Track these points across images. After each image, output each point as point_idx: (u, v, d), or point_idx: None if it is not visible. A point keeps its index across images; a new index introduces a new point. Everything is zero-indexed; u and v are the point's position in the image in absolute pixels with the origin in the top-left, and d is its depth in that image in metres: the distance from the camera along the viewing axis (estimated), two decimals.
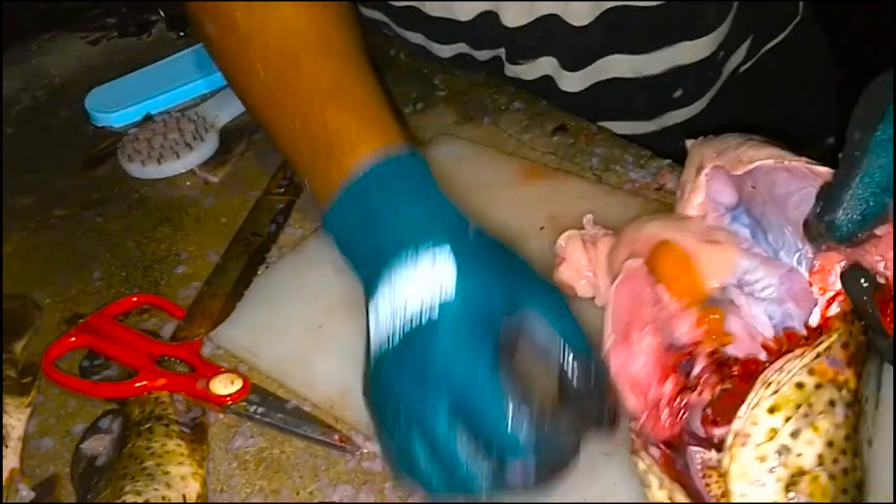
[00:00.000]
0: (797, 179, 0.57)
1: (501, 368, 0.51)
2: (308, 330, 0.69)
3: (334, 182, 0.58)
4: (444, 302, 0.52)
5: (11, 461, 0.64)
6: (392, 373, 0.53)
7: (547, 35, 0.87)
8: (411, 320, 0.53)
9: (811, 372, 0.51)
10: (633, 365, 0.57)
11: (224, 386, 0.66)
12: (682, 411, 0.55)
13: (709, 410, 0.54)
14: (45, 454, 0.66)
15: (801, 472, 0.49)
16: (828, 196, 0.54)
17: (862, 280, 0.54)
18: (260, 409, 0.65)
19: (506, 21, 0.87)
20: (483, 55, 0.92)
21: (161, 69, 0.99)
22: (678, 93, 0.92)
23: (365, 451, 0.63)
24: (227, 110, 0.93)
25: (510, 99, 0.90)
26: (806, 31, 1.01)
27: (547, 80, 0.91)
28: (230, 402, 0.65)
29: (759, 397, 0.51)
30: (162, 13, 1.10)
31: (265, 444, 0.64)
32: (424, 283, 0.53)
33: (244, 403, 0.65)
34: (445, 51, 0.93)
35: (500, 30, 0.88)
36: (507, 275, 0.55)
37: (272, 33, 0.63)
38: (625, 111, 0.92)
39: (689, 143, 0.70)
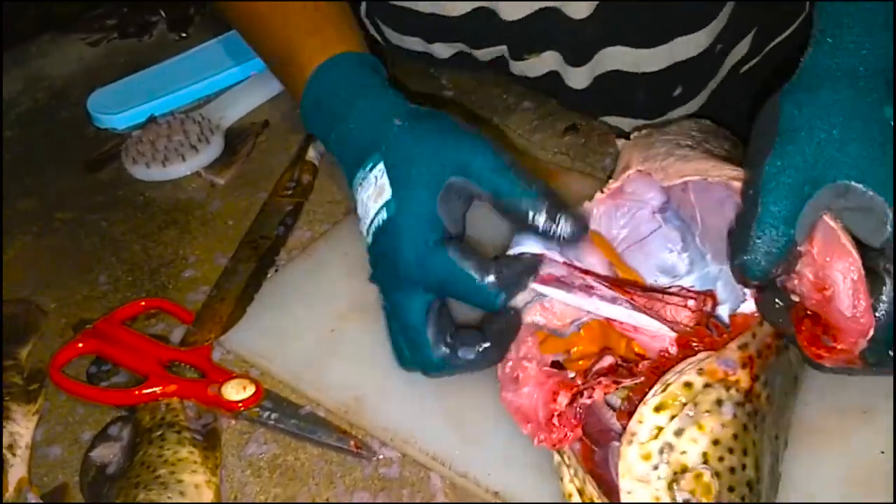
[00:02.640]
0: (726, 188, 0.58)
1: (452, 236, 0.58)
2: (320, 334, 0.68)
3: (299, 89, 0.67)
4: (386, 202, 0.59)
5: (19, 470, 0.63)
6: (374, 269, 0.62)
7: (548, 28, 0.86)
8: (371, 222, 0.61)
9: (700, 371, 0.52)
10: (521, 395, 0.57)
11: (236, 391, 0.65)
12: (578, 414, 0.55)
13: (624, 404, 0.54)
14: (54, 462, 0.64)
15: (684, 470, 0.50)
16: (735, 239, 0.54)
17: (776, 300, 0.54)
18: (273, 415, 0.64)
19: (505, 15, 0.86)
20: (483, 55, 0.91)
21: (164, 70, 0.98)
22: (678, 90, 0.91)
23: (381, 457, 0.62)
24: (232, 112, 0.92)
25: (519, 98, 0.89)
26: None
27: (554, 77, 0.90)
28: (242, 408, 0.64)
29: (652, 394, 0.52)
30: (163, 14, 1.09)
31: (279, 451, 0.63)
32: (374, 193, 0.61)
33: (257, 409, 0.64)
34: (445, 51, 0.92)
35: (499, 26, 0.87)
36: (441, 149, 0.59)
37: None
38: (628, 107, 0.91)
39: (619, 142, 0.71)
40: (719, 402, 0.51)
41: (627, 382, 0.54)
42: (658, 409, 0.51)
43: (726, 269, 0.61)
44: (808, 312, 0.53)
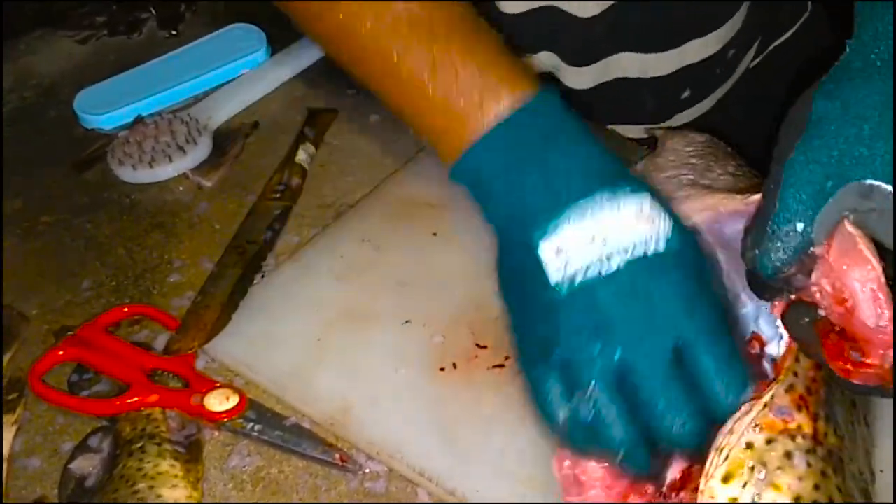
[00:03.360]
0: (744, 218, 0.55)
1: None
2: (307, 343, 0.67)
3: (481, 122, 0.54)
4: (669, 238, 0.50)
5: None
6: (608, 299, 0.49)
7: (548, 28, 0.84)
8: (626, 251, 0.49)
9: (759, 428, 0.49)
10: (589, 497, 0.54)
11: (219, 402, 0.63)
12: None
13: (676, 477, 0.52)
14: (32, 474, 0.63)
15: None
16: (750, 233, 0.51)
17: (803, 318, 0.51)
18: (257, 427, 0.62)
19: (504, 8, 0.84)
20: None
21: (152, 70, 0.96)
22: (686, 93, 0.90)
23: (367, 470, 0.60)
24: (221, 112, 0.90)
25: None
26: (816, 27, 0.98)
27: (550, 78, 0.88)
28: (226, 419, 0.63)
29: (714, 466, 0.48)
30: (153, 11, 1.07)
31: (263, 464, 0.61)
32: (635, 220, 0.50)
33: (241, 420, 0.63)
34: None
35: (498, 17, 0.85)
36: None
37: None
38: (632, 114, 0.89)
39: None
40: (788, 455, 0.48)
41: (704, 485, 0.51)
42: (726, 479, 0.48)
43: (763, 304, 0.57)
44: (836, 327, 0.50)
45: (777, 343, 0.56)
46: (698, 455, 0.50)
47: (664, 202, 0.52)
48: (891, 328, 0.48)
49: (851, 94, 0.50)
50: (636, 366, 0.49)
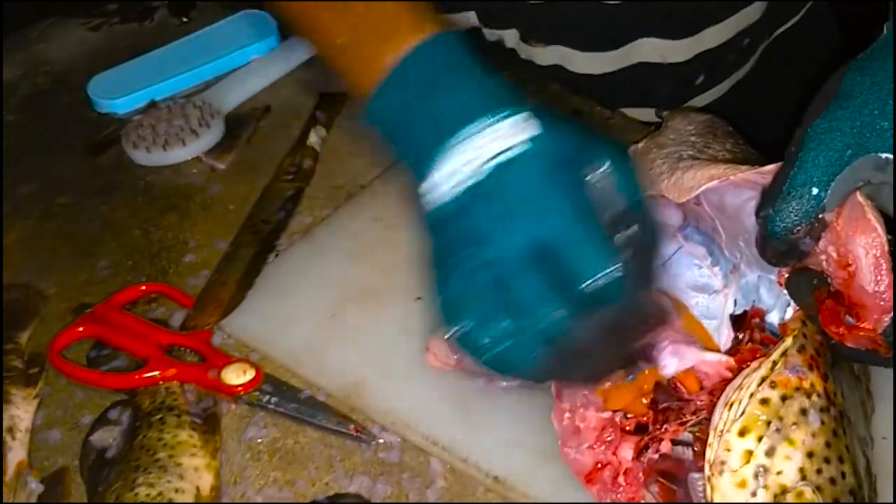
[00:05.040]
0: (748, 189, 0.56)
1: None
2: (320, 318, 0.68)
3: (382, 65, 0.55)
4: (534, 136, 0.50)
5: (19, 454, 0.62)
6: (475, 208, 0.51)
7: (567, 16, 0.85)
8: (495, 157, 0.50)
9: (773, 385, 0.50)
10: (583, 453, 0.55)
11: (236, 376, 0.64)
12: (646, 472, 0.54)
13: (697, 446, 0.53)
14: (54, 446, 0.64)
15: (784, 491, 0.48)
16: (766, 193, 0.53)
17: (803, 284, 0.53)
18: (273, 399, 0.64)
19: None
20: (491, 35, 0.90)
21: (165, 55, 0.97)
22: (700, 79, 0.91)
23: (381, 440, 0.61)
24: (233, 96, 0.92)
25: (522, 82, 0.88)
26: (818, 14, 0.99)
27: (558, 69, 0.89)
28: (242, 392, 0.64)
29: (724, 421, 0.50)
30: None
31: (279, 435, 0.63)
32: (507, 134, 0.50)
33: (257, 393, 0.64)
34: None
35: (518, 5, 0.85)
36: (580, 132, 0.53)
37: None
38: (648, 99, 0.90)
39: None
40: (804, 412, 0.50)
41: (693, 420, 0.53)
42: (742, 433, 0.49)
43: (765, 273, 0.59)
44: (832, 291, 0.52)
45: (777, 312, 0.57)
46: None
47: (544, 117, 0.52)
48: (887, 294, 0.50)
49: (881, 71, 0.52)
50: (502, 263, 0.49)
